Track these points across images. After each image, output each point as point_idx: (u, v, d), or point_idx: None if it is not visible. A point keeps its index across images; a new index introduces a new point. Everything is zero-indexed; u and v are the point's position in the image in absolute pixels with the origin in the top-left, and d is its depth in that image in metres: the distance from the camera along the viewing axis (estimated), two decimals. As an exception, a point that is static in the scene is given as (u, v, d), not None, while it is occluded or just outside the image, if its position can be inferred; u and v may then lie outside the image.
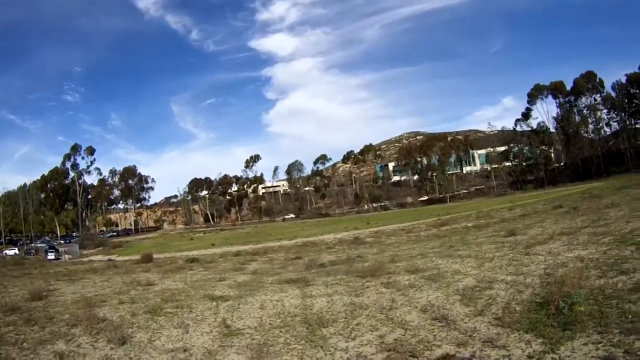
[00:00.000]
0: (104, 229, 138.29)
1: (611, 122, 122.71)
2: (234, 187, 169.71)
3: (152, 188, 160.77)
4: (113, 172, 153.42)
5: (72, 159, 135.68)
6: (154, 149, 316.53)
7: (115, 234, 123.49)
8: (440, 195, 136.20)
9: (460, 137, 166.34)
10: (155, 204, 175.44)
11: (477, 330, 6.65)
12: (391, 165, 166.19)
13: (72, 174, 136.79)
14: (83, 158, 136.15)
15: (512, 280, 9.41)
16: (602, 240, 12.05)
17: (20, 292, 14.48)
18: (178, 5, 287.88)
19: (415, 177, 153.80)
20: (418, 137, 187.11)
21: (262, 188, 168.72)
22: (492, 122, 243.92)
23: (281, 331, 7.82)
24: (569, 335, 5.69)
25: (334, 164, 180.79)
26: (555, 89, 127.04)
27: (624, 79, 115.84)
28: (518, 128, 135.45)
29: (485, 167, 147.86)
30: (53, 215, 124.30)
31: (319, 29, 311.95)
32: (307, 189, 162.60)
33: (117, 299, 12.11)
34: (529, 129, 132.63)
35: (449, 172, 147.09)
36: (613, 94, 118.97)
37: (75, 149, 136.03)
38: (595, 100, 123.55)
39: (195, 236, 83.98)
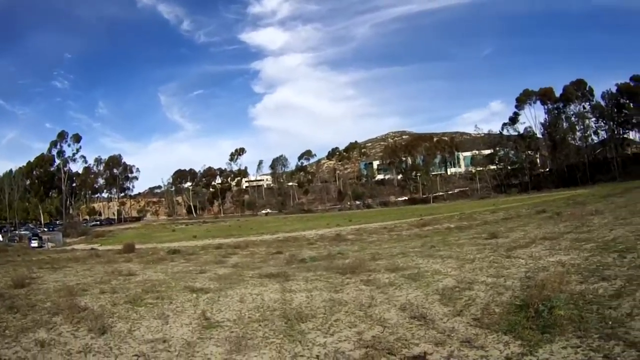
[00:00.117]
0: (87, 217, 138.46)
1: (599, 131, 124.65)
2: (218, 180, 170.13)
3: (136, 178, 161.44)
4: (98, 161, 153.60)
5: (58, 146, 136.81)
6: (139, 138, 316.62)
7: (98, 223, 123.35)
8: (424, 196, 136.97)
9: (446, 138, 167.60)
10: (139, 194, 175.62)
11: (456, 330, 6.64)
12: (376, 163, 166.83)
13: (57, 161, 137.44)
14: (69, 145, 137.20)
15: (492, 282, 9.42)
16: (585, 247, 12.12)
17: (3, 279, 14.50)
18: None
19: (400, 176, 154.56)
20: (404, 137, 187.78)
21: (246, 182, 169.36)
22: (478, 125, 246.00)
23: (260, 325, 7.82)
24: (547, 339, 5.69)
25: (319, 160, 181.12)
26: (544, 95, 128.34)
27: (614, 89, 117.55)
28: (505, 132, 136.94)
29: (470, 169, 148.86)
30: (37, 202, 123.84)
31: (310, 25, 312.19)
32: (290, 184, 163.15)
33: (99, 288, 12.11)
34: (516, 133, 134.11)
35: (433, 173, 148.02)
36: (602, 103, 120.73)
37: (62, 136, 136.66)
38: (584, 108, 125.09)
39: (177, 228, 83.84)
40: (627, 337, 5.45)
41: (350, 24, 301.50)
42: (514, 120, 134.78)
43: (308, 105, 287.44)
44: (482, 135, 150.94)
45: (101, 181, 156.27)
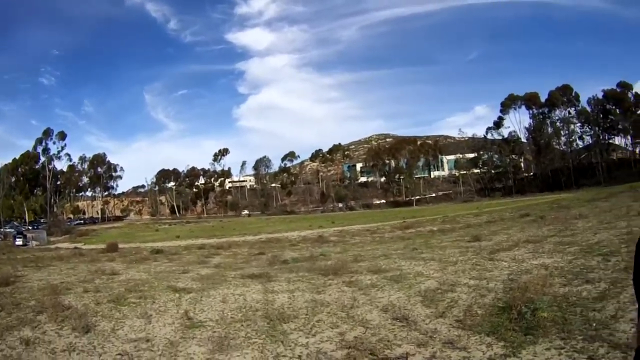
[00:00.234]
0: (71, 216, 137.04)
1: (584, 136, 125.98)
2: (201, 180, 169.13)
3: (120, 177, 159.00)
4: (83, 159, 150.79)
5: (43, 144, 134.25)
6: (124, 137, 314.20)
7: (82, 222, 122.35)
8: (407, 199, 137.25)
9: (430, 141, 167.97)
10: (123, 193, 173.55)
11: (438, 332, 6.64)
12: (359, 165, 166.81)
13: (42, 158, 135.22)
14: (54, 143, 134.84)
15: (475, 284, 9.46)
16: (568, 250, 12.22)
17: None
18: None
19: (383, 179, 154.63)
20: (387, 140, 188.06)
21: (229, 182, 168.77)
22: (463, 129, 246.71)
23: (242, 325, 7.84)
24: (531, 340, 5.69)
25: (302, 162, 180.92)
26: (530, 100, 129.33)
27: (600, 95, 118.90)
28: (489, 136, 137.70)
29: (453, 172, 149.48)
30: (22, 200, 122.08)
31: (297, 26, 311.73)
32: (273, 185, 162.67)
33: (82, 287, 12.25)
34: (500, 137, 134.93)
35: (416, 176, 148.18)
36: (588, 109, 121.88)
37: (47, 133, 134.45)
38: (569, 113, 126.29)
39: (160, 227, 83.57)
40: (611, 338, 5.46)
41: (336, 26, 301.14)
42: (498, 124, 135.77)
43: (292, 107, 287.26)
44: (466, 139, 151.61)
45: (85, 180, 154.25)
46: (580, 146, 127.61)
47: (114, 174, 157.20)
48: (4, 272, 14.91)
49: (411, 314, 7.70)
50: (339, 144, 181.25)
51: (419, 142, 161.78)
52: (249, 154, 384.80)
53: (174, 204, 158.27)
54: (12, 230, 73.01)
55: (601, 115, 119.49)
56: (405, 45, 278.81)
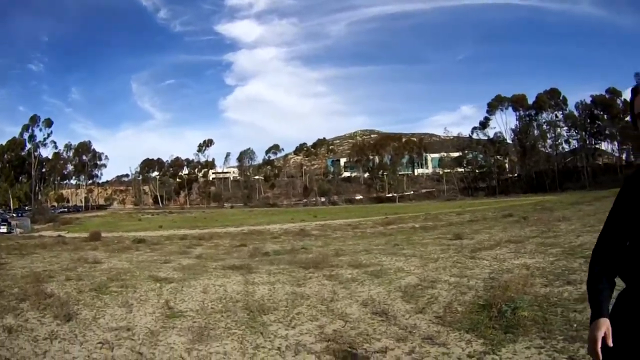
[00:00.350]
0: (55, 204, 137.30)
1: (571, 140, 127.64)
2: (185, 171, 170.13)
3: (105, 165, 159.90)
4: (68, 147, 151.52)
5: (30, 130, 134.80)
6: (109, 125, 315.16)
7: (66, 210, 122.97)
8: (390, 195, 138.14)
9: (415, 139, 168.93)
10: (107, 181, 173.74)
11: (417, 327, 6.62)
12: (343, 160, 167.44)
13: (28, 145, 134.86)
14: (41, 130, 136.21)
15: (456, 281, 9.47)
16: (550, 251, 12.31)
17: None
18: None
19: (366, 174, 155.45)
20: (372, 136, 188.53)
21: (213, 173, 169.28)
22: (448, 128, 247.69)
23: (222, 315, 7.83)
24: (510, 338, 5.69)
25: (286, 155, 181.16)
26: (517, 102, 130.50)
27: (589, 100, 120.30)
28: (474, 136, 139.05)
29: (437, 170, 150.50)
30: (8, 187, 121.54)
31: (286, 20, 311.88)
32: (257, 177, 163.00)
33: (65, 275, 12.27)
34: (486, 137, 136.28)
35: (400, 173, 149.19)
36: (576, 113, 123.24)
37: (34, 120, 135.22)
38: (556, 117, 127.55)
39: (143, 217, 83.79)
40: (591, 340, 5.44)
41: (326, 21, 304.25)
42: (484, 124, 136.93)
43: (278, 100, 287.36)
44: (452, 138, 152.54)
45: (70, 167, 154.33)
46: (566, 150, 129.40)
47: (98, 162, 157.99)
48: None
49: (391, 308, 7.69)
50: (324, 138, 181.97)
51: (403, 139, 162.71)
52: (234, 145, 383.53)
53: (158, 194, 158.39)
54: (-3, 217, 72.73)
55: (588, 120, 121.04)
56: (394, 43, 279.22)
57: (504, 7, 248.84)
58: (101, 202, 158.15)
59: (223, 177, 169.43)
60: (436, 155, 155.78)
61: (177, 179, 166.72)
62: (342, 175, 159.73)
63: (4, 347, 6.45)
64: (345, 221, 44.41)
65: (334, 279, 10.59)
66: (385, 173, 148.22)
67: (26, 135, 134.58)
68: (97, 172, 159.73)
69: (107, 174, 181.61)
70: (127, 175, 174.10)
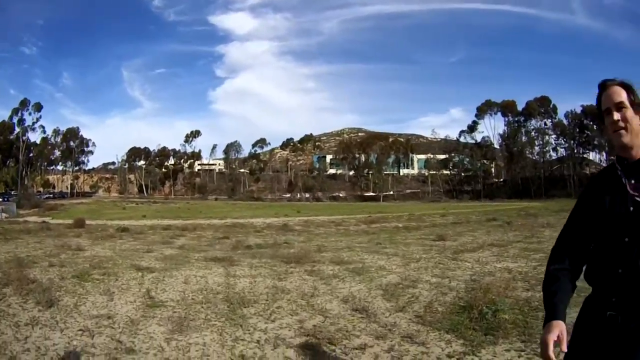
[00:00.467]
0: (41, 189, 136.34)
1: (559, 148, 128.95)
2: (171, 161, 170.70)
3: (92, 152, 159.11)
4: (57, 132, 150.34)
5: (19, 114, 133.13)
6: (98, 112, 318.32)
7: (51, 196, 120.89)
8: (374, 194, 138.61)
9: (402, 139, 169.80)
10: (93, 169, 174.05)
11: (397, 325, 6.63)
12: (329, 157, 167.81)
13: (17, 129, 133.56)
14: (30, 114, 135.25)
15: (437, 282, 9.53)
16: (533, 257, 12.42)
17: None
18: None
19: (352, 172, 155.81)
20: (359, 134, 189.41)
21: (199, 165, 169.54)
22: (436, 130, 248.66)
23: (203, 307, 7.84)
24: (491, 340, 5.71)
25: (272, 149, 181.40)
26: (506, 108, 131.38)
27: (579, 109, 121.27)
28: (462, 139, 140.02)
29: (423, 172, 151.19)
30: None
31: (280, 14, 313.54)
32: (242, 170, 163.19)
33: (48, 261, 12.32)
34: (473, 141, 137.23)
35: (385, 172, 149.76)
36: (565, 122, 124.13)
37: (24, 103, 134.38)
38: (545, 124, 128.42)
39: (128, 206, 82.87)
40: (572, 345, 5.46)
41: (320, 17, 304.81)
42: (472, 128, 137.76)
43: (267, 94, 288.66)
44: (439, 140, 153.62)
45: (57, 153, 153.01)
46: (554, 157, 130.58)
47: (85, 149, 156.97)
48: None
49: (371, 306, 7.70)
50: (311, 134, 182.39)
51: (390, 139, 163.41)
52: (221, 137, 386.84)
53: (143, 183, 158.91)
54: (-17, 202, 72.15)
55: (577, 130, 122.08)
56: (387, 43, 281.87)
57: (499, 12, 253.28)
58: (87, 189, 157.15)
59: (209, 169, 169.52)
60: (422, 157, 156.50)
61: (163, 169, 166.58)
62: (328, 172, 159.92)
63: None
64: (329, 218, 44.38)
65: (315, 275, 10.62)
66: (370, 172, 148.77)
67: (15, 119, 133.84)
68: (83, 159, 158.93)
69: (93, 161, 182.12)
70: (113, 163, 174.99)
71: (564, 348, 2.13)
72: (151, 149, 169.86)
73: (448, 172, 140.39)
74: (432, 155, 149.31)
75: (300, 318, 7.18)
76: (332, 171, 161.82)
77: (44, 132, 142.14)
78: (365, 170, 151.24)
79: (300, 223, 35.39)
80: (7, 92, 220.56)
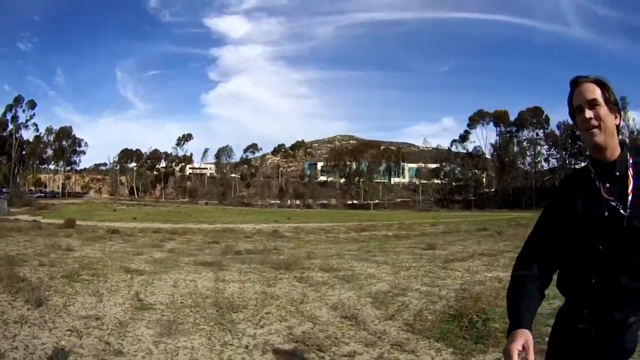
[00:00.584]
0: (33, 188, 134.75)
1: (550, 159, 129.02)
2: (163, 164, 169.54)
3: (84, 152, 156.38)
4: (49, 131, 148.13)
5: (13, 111, 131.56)
6: (91, 111, 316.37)
7: (42, 195, 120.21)
8: (365, 202, 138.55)
9: (393, 147, 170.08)
10: (85, 169, 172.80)
11: (387, 333, 6.62)
12: (320, 164, 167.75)
13: (10, 126, 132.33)
14: (24, 111, 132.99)
15: (427, 290, 9.58)
16: (523, 266, 12.38)
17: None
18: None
19: (342, 180, 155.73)
20: (351, 142, 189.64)
21: (190, 168, 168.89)
22: (428, 139, 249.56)
23: (191, 311, 7.85)
24: (481, 349, 5.71)
25: (264, 155, 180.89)
26: (498, 118, 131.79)
27: (571, 121, 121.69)
28: (453, 148, 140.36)
29: (414, 180, 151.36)
30: None
31: (275, 19, 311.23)
32: (233, 175, 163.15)
33: (38, 260, 12.41)
34: (465, 151, 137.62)
35: (376, 180, 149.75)
36: (557, 133, 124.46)
37: (18, 100, 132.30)
38: (537, 135, 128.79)
39: (118, 208, 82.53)
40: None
41: (314, 23, 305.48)
42: (464, 138, 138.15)
43: (260, 99, 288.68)
44: (430, 149, 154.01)
45: (50, 152, 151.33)
46: (545, 168, 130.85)
47: (78, 148, 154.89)
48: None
49: (360, 313, 7.71)
50: (302, 140, 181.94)
51: (382, 147, 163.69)
52: (212, 141, 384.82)
53: (134, 185, 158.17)
54: (-25, 200, 71.71)
55: (569, 140, 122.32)
56: (380, 50, 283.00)
57: (494, 22, 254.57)
58: (78, 189, 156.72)
59: (200, 173, 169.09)
60: (413, 165, 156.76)
61: (154, 172, 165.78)
62: (319, 179, 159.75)
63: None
64: (319, 225, 44.37)
65: (304, 281, 10.64)
66: (361, 180, 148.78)
67: (9, 116, 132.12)
68: (75, 159, 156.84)
69: (85, 161, 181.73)
70: (105, 164, 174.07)
71: (531, 358, 1.94)
72: (143, 151, 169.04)
73: (439, 182, 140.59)
74: (423, 165, 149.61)
75: (289, 324, 7.17)
76: (323, 178, 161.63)
77: (37, 130, 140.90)
78: (356, 178, 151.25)
79: (291, 229, 35.38)
80: (1, 88, 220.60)
